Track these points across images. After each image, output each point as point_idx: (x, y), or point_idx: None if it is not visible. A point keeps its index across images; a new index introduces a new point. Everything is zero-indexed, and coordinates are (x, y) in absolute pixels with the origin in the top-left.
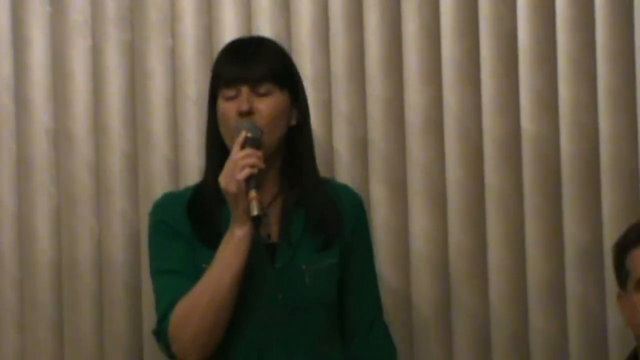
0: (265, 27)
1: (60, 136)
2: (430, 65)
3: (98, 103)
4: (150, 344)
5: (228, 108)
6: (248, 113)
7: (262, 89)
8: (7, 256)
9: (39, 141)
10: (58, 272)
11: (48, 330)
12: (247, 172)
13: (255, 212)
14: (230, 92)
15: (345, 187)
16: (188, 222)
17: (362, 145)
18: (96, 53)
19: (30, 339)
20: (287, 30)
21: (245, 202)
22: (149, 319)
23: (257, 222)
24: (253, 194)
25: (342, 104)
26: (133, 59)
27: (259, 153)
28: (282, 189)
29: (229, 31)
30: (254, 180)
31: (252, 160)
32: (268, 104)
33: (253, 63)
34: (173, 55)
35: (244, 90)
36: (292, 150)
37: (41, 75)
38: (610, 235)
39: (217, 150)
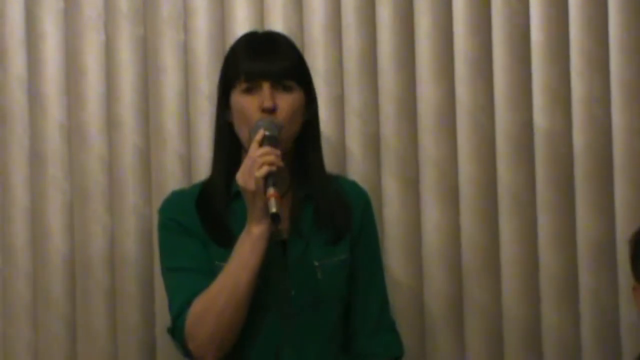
0: (278, 22)
1: (73, 131)
2: (443, 61)
3: (111, 98)
4: (163, 339)
5: (248, 102)
6: (272, 110)
7: (284, 85)
8: (20, 251)
9: (52, 136)
10: (71, 267)
11: (61, 325)
12: (266, 169)
13: (274, 209)
14: (250, 86)
15: (353, 184)
16: (198, 219)
17: (374, 141)
18: (109, 48)
19: (43, 334)
20: (299, 25)
21: (263, 200)
22: (162, 314)
23: (276, 220)
24: (271, 191)
25: (354, 99)
26: (146, 54)
27: (278, 151)
28: (291, 185)
29: (242, 26)
30: (272, 178)
31: (271, 158)
32: (289, 101)
33: (275, 58)
34: (186, 50)
35: (266, 85)
36: (300, 146)
37: (54, 70)
38: (623, 230)
39: (227, 144)
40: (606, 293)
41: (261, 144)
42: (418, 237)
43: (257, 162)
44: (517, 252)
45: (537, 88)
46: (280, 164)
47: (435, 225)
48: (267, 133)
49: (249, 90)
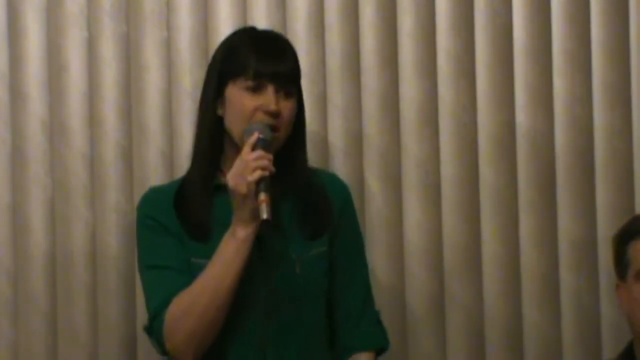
0: (261, 20)
1: (55, 128)
2: (426, 60)
3: (93, 95)
4: (144, 337)
5: (248, 101)
6: (276, 114)
7: (287, 90)
8: (1, 247)
9: (33, 133)
10: (52, 264)
11: (42, 322)
12: (258, 174)
13: (265, 215)
14: (252, 84)
15: (332, 176)
16: (175, 216)
17: (357, 139)
18: (91, 45)
19: (24, 330)
20: (282, 23)
21: (253, 204)
22: (143, 311)
23: (266, 225)
24: (263, 196)
25: (337, 97)
26: (128, 51)
27: (270, 156)
28: (271, 181)
29: (225, 23)
30: (264, 184)
31: (264, 162)
32: (290, 107)
33: (283, 61)
34: (168, 47)
35: (271, 88)
36: (286, 143)
37: (36, 67)
38: (604, 229)
39: (213, 136)
40: (587, 292)
41: (254, 147)
42: (400, 235)
43: (250, 166)
44: (498, 250)
45: (519, 87)
46: (272, 169)
47: (417, 223)
48: (261, 136)
49: (252, 89)
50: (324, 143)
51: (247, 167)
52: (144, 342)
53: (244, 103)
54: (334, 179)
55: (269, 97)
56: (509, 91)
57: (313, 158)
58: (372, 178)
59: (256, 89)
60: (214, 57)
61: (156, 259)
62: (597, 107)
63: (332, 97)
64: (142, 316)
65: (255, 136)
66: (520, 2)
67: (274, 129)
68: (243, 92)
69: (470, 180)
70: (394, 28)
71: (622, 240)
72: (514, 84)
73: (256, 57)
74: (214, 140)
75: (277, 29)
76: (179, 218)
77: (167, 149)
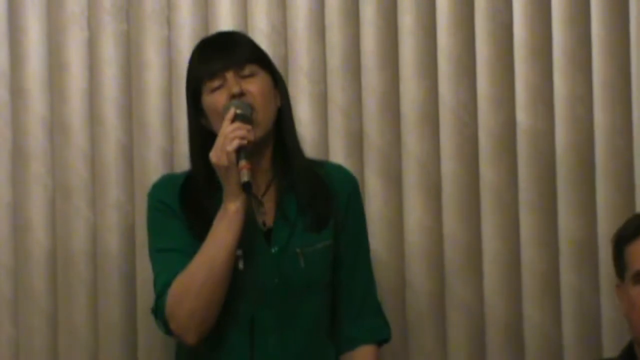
0: (262, 19)
1: (55, 126)
2: (426, 58)
3: (94, 93)
4: (144, 334)
5: (217, 98)
6: (240, 95)
7: (247, 71)
8: (1, 246)
9: (34, 131)
10: (53, 262)
11: (42, 319)
12: (237, 143)
13: (245, 178)
14: (216, 83)
15: (338, 167)
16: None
17: (357, 138)
18: (92, 43)
19: (25, 329)
20: (283, 22)
21: (236, 173)
22: (144, 309)
23: (248, 189)
24: (243, 163)
25: (337, 96)
26: (129, 50)
27: (248, 126)
28: (274, 177)
29: (225, 22)
30: (244, 152)
31: (242, 132)
32: (256, 84)
33: (232, 49)
34: (169, 46)
35: (229, 75)
36: (277, 135)
37: (37, 65)
38: (604, 228)
39: (202, 146)
40: (587, 290)
41: (232, 121)
42: (400, 233)
43: (229, 137)
44: (499, 249)
45: (520, 86)
46: (252, 138)
47: (417, 222)
48: (238, 111)
49: (217, 87)
50: (325, 142)
51: (226, 140)
52: (144, 341)
53: (214, 101)
54: (340, 171)
55: (230, 83)
56: (510, 90)
57: (313, 156)
58: (373, 177)
59: (220, 86)
60: (186, 79)
61: (164, 242)
62: (598, 106)
63: (332, 96)
64: (142, 314)
65: (232, 111)
66: (521, 1)
67: (251, 107)
68: (211, 94)
69: (471, 179)
70: (395, 27)
71: (619, 243)
72: (514, 83)
73: (205, 61)
74: (204, 149)
75: (277, 28)
76: (184, 214)
77: (167, 147)
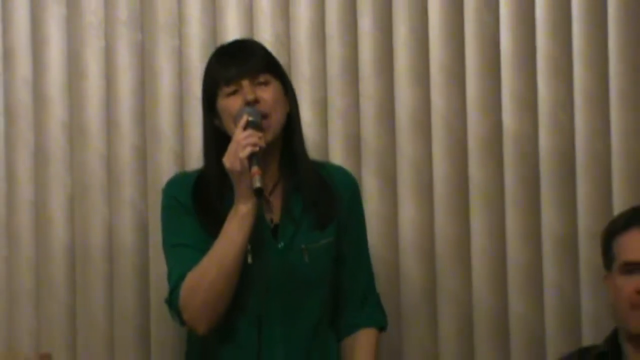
0: (266, 30)
1: (74, 130)
2: (419, 67)
3: (110, 99)
4: (157, 323)
5: (232, 102)
6: (255, 102)
7: (261, 79)
8: (24, 241)
9: (55, 134)
10: (71, 256)
11: (61, 309)
12: (249, 150)
13: (257, 184)
14: (232, 88)
15: (339, 169)
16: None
17: (355, 141)
18: (109, 53)
19: (45, 318)
20: (286, 33)
21: (248, 178)
22: (156, 300)
23: (259, 194)
24: (255, 169)
25: (336, 102)
26: (143, 59)
27: (260, 134)
28: (281, 177)
29: (232, 33)
30: (255, 158)
31: (253, 139)
32: (269, 92)
33: (249, 58)
34: (180, 55)
35: (245, 83)
36: (285, 140)
37: (57, 73)
38: (584, 225)
39: (217, 145)
40: (568, 283)
41: (245, 128)
42: (395, 229)
43: (241, 144)
44: (486, 245)
45: (506, 93)
46: (263, 144)
47: (410, 219)
48: (250, 119)
49: (232, 93)
50: (325, 145)
51: (238, 146)
52: (157, 330)
53: (229, 105)
54: (342, 172)
55: (245, 91)
56: (497, 97)
57: (315, 158)
58: (369, 177)
59: (235, 91)
60: (202, 82)
61: (178, 238)
62: (578, 112)
63: (332, 102)
64: (155, 305)
65: (244, 119)
66: (507, 15)
67: (264, 115)
68: (226, 98)
69: (460, 180)
70: (390, 38)
71: (608, 236)
72: (501, 90)
73: (223, 67)
74: (218, 148)
75: (281, 39)
76: (196, 211)
77: (178, 150)
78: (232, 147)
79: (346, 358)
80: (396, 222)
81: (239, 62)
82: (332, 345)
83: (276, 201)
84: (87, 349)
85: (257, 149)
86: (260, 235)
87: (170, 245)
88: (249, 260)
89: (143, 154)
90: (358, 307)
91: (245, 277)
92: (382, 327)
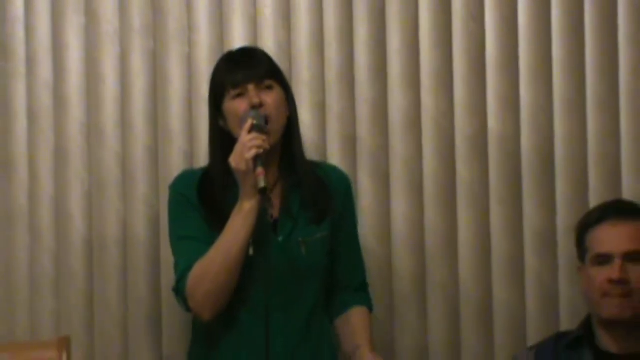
0: (269, 38)
1: (92, 130)
2: (411, 72)
3: (124, 102)
4: (168, 309)
5: (238, 105)
6: (259, 105)
7: (266, 84)
8: (45, 233)
9: (73, 134)
10: (89, 247)
11: (80, 296)
12: (254, 151)
13: (262, 184)
14: (238, 92)
15: (334, 168)
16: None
17: (351, 141)
18: (123, 59)
19: (65, 303)
20: (287, 41)
21: (253, 178)
22: (167, 288)
23: (263, 193)
24: (260, 170)
25: (334, 105)
26: (155, 64)
27: (264, 136)
28: (281, 176)
29: (238, 41)
30: (260, 159)
31: (258, 142)
32: (273, 96)
33: (255, 65)
34: (189, 61)
35: (251, 87)
36: (285, 142)
37: (76, 77)
38: (563, 219)
39: (222, 144)
40: (548, 272)
41: (250, 131)
42: (388, 223)
43: (247, 146)
44: (472, 237)
45: (491, 97)
46: (267, 146)
47: (402, 213)
48: (254, 122)
49: (238, 96)
50: (323, 145)
51: (244, 148)
52: (167, 316)
53: (235, 108)
54: (335, 171)
55: (250, 94)
56: (482, 100)
57: (314, 157)
58: (364, 175)
59: (241, 94)
60: (209, 85)
61: (184, 231)
62: (557, 114)
63: (330, 105)
64: (166, 293)
65: (249, 122)
66: (492, 24)
67: (267, 118)
68: (232, 101)
69: (449, 177)
70: (384, 46)
71: (581, 229)
72: (486, 94)
73: (231, 71)
74: (223, 148)
75: (283, 46)
76: (201, 206)
77: (188, 149)
78: (238, 148)
79: (342, 332)
80: (389, 217)
81: (245, 68)
82: (326, 326)
83: (275, 198)
84: (103, 332)
85: (261, 150)
86: (261, 229)
87: (177, 238)
88: (250, 252)
89: (155, 153)
90: (351, 293)
91: (250, 270)
92: (370, 310)
